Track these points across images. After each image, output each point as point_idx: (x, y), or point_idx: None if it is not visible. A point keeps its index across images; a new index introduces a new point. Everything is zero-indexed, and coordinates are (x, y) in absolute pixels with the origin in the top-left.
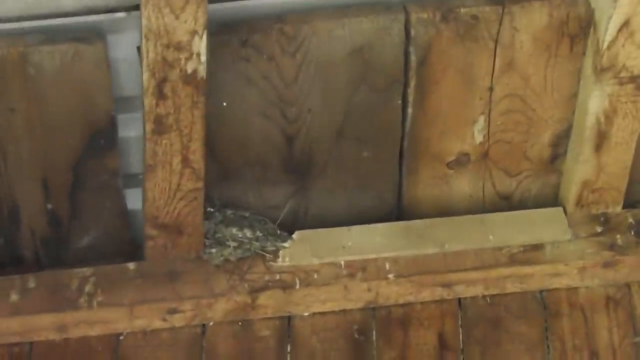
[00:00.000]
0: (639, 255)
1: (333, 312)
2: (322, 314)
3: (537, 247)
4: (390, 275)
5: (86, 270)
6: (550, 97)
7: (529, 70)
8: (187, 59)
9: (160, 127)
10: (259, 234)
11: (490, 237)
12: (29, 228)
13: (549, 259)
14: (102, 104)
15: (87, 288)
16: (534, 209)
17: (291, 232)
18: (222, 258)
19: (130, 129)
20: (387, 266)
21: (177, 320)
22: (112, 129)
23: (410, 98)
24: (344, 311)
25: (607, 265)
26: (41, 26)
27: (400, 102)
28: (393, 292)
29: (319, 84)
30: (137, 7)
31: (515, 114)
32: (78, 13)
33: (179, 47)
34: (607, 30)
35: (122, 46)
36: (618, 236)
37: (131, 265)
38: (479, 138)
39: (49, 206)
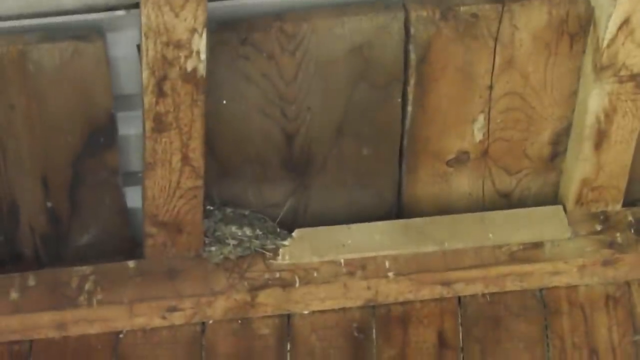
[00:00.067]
0: (638, 253)
1: (333, 310)
2: (322, 312)
3: (537, 245)
4: (390, 274)
5: (86, 269)
6: (550, 96)
7: (528, 69)
8: (187, 57)
9: (159, 125)
10: (258, 232)
11: (490, 235)
12: (28, 226)
13: (549, 257)
14: (102, 102)
15: (87, 286)
16: (534, 207)
17: (291, 230)
18: (221, 256)
19: (129, 127)
20: (387, 264)
21: (177, 319)
22: (111, 126)
23: (410, 96)
24: (343, 309)
25: (606, 263)
26: (41, 24)
27: (400, 100)
28: (393, 290)
29: (319, 82)
30: (136, 5)
31: (515, 112)
32: (78, 11)
33: (178, 45)
34: (607, 28)
35: (121, 44)
36: (618, 234)
37: (131, 264)
38: (478, 136)
39: (49, 204)
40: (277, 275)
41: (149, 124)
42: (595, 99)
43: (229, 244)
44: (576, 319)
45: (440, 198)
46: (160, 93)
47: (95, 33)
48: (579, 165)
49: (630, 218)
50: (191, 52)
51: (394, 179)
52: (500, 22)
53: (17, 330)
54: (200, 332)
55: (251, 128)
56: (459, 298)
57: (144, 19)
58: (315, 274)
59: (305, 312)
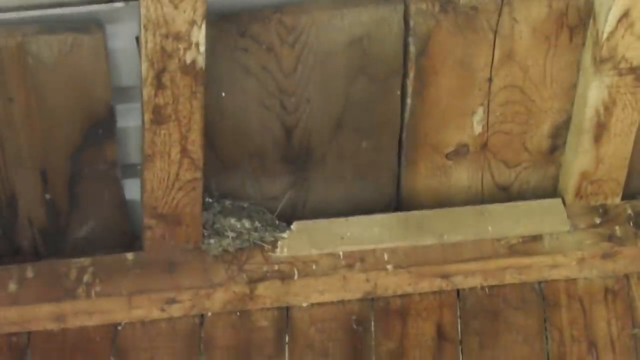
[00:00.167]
0: (637, 247)
1: (331, 302)
2: (321, 304)
3: (536, 238)
4: (389, 266)
5: (84, 261)
6: (549, 88)
7: (528, 62)
8: (186, 49)
9: (158, 117)
10: (257, 224)
11: (489, 228)
12: (27, 218)
13: (548, 250)
14: (101, 94)
15: (86, 278)
16: (533, 200)
17: (290, 223)
18: (220, 248)
19: (128, 119)
20: (386, 257)
21: (176, 311)
22: (110, 119)
23: (409, 89)
24: (342, 302)
25: (605, 256)
26: (40, 16)
27: (399, 93)
28: (391, 283)
29: (318, 75)
30: None
31: (514, 105)
32: (77, 3)
33: (177, 37)
34: (607, 21)
35: (120, 36)
36: (617, 227)
37: (129, 256)
38: (477, 129)
39: (47, 196)
40: (276, 267)
41: (148, 116)
42: (594, 92)
43: (227, 237)
44: (575, 312)
45: (440, 191)
46: (159, 85)
47: (94, 25)
48: (578, 158)
49: (629, 211)
50: (190, 44)
51: (393, 172)
52: (499, 14)
53: (15, 322)
54: (199, 324)
55: (250, 120)
56: (458, 291)
57: (143, 11)
58: (314, 267)
59: (304, 304)
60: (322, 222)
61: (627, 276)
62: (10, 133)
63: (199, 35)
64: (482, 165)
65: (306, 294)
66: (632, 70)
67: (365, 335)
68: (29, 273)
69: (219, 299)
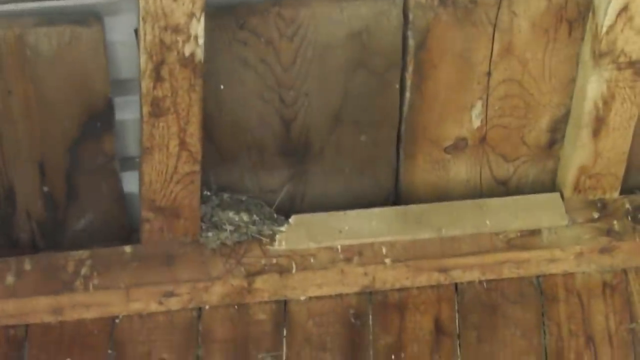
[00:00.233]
0: (635, 241)
1: (329, 296)
2: (319, 298)
3: (534, 232)
4: (387, 260)
5: (82, 253)
6: (548, 82)
7: (527, 55)
8: (185, 42)
9: (157, 109)
10: (255, 217)
11: (487, 222)
12: (25, 211)
13: (546, 245)
14: (99, 87)
15: (83, 271)
16: (531, 194)
17: (288, 216)
18: (218, 242)
19: (127, 111)
20: (384, 251)
21: (173, 304)
22: (109, 111)
23: (408, 82)
24: (340, 295)
25: (603, 251)
26: (38, 8)
27: (398, 86)
28: (389, 277)
29: (317, 68)
30: None
31: (513, 99)
32: None
33: (176, 30)
34: (606, 15)
35: (119, 28)
36: (615, 222)
37: (127, 249)
38: (476, 123)
39: (45, 189)
40: (274, 261)
41: (146, 109)
42: (593, 86)
43: (226, 230)
44: (573, 306)
45: (438, 185)
46: (157, 78)
47: (92, 17)
48: (577, 153)
49: (627, 206)
50: (189, 37)
51: (391, 166)
52: (499, 8)
53: (13, 315)
54: (197, 317)
55: (249, 113)
56: (456, 285)
57: (142, 3)
58: (312, 260)
59: (302, 298)
60: (320, 216)
61: (625, 271)
62: (8, 126)
63: (198, 27)
64: (481, 159)
65: (304, 288)
66: (631, 64)
67: (363, 329)
68: (27, 266)
69: (217, 292)
